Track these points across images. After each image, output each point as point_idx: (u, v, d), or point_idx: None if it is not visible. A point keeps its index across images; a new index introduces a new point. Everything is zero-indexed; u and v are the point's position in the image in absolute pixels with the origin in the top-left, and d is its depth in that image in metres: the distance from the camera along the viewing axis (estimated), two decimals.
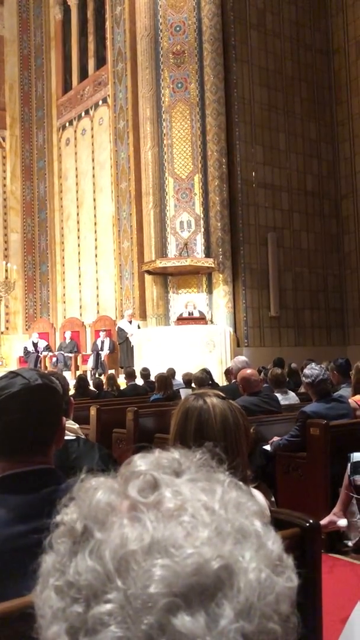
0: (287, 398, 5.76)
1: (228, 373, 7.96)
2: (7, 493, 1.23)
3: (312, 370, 4.12)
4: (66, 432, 2.22)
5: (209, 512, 0.39)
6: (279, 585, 0.38)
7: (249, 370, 4.90)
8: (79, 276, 15.87)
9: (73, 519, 0.41)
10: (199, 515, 0.38)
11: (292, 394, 6.02)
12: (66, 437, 2.21)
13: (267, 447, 4.33)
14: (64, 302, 16.45)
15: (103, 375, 11.47)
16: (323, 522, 3.57)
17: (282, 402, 5.35)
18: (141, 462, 0.44)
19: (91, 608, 0.36)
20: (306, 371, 4.16)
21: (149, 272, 12.18)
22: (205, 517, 0.38)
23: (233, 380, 6.04)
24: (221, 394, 1.61)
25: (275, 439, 4.34)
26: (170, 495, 0.39)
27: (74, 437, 2.28)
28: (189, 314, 11.67)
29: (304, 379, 4.27)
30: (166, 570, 0.35)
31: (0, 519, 1.19)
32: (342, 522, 3.76)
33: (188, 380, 7.55)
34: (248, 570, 0.37)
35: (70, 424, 2.31)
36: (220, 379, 9.45)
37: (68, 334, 14.45)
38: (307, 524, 1.44)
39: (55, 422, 1.34)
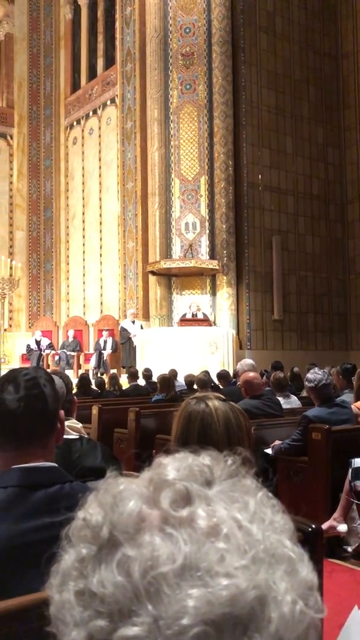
0: (289, 402, 5.75)
1: (220, 378, 7.91)
2: (17, 487, 1.23)
3: (315, 374, 4.11)
4: (70, 431, 2.23)
5: (243, 533, 0.38)
6: (309, 616, 0.37)
7: (251, 374, 4.89)
8: (83, 275, 15.89)
9: (98, 523, 0.39)
10: (234, 538, 0.37)
11: (294, 397, 6.02)
12: (69, 436, 2.22)
13: (269, 451, 4.32)
14: (68, 301, 16.47)
15: (105, 375, 11.48)
16: (323, 527, 3.57)
17: (284, 406, 5.34)
18: (172, 467, 0.42)
19: (117, 627, 0.35)
20: (309, 375, 4.16)
21: (153, 273, 12.19)
22: (240, 539, 0.37)
23: (233, 380, 6.03)
24: (222, 396, 1.61)
25: (277, 442, 4.34)
26: (204, 514, 0.38)
27: (77, 436, 2.28)
28: (193, 315, 11.67)
29: (306, 383, 4.27)
30: (199, 601, 0.34)
31: (11, 514, 1.19)
32: (342, 528, 3.76)
33: (190, 382, 7.55)
34: (282, 603, 0.36)
35: (73, 422, 2.32)
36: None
37: (71, 333, 14.47)
38: (310, 529, 1.44)
39: (55, 408, 1.35)
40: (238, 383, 5.94)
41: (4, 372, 1.51)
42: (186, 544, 0.36)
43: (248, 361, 6.15)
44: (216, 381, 7.93)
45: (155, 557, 0.36)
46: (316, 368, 4.27)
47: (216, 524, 0.38)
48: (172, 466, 0.42)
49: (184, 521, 0.38)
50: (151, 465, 0.44)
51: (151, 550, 0.36)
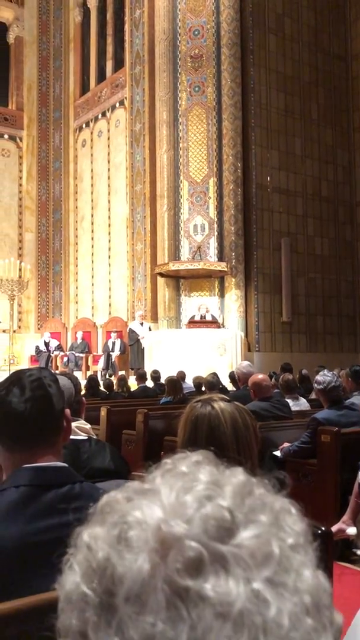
0: (298, 404, 5.73)
1: (234, 380, 7.85)
2: (29, 486, 1.24)
3: (324, 376, 4.09)
4: (78, 432, 2.24)
5: (260, 609, 0.33)
6: None
7: (260, 375, 4.88)
8: (92, 277, 15.93)
9: (100, 563, 0.37)
10: (248, 618, 0.33)
11: (303, 400, 5.99)
12: (78, 437, 2.22)
13: (277, 453, 4.31)
14: (77, 303, 16.51)
15: (113, 376, 11.49)
16: (332, 529, 3.55)
17: (293, 408, 5.32)
18: (184, 514, 0.36)
19: None
20: (318, 377, 4.14)
21: (161, 275, 12.20)
22: (255, 619, 0.33)
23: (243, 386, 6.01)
24: (226, 397, 1.60)
25: (286, 444, 4.32)
26: (214, 592, 0.33)
27: (85, 437, 2.28)
28: (202, 317, 11.66)
29: (315, 385, 4.25)
30: None
31: (19, 514, 1.20)
32: (351, 531, 3.73)
33: (198, 384, 7.54)
34: None
35: (82, 423, 2.32)
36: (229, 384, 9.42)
37: (79, 334, 14.50)
38: (319, 531, 1.43)
39: (61, 407, 1.36)
40: (243, 386, 5.92)
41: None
42: (192, 629, 0.33)
43: (245, 363, 6.14)
44: (225, 383, 7.91)
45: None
46: (325, 370, 4.25)
47: (229, 602, 0.33)
48: (184, 511, 0.37)
49: (192, 596, 0.34)
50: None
51: (151, 628, 0.33)
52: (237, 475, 0.40)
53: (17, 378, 1.34)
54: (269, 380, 4.92)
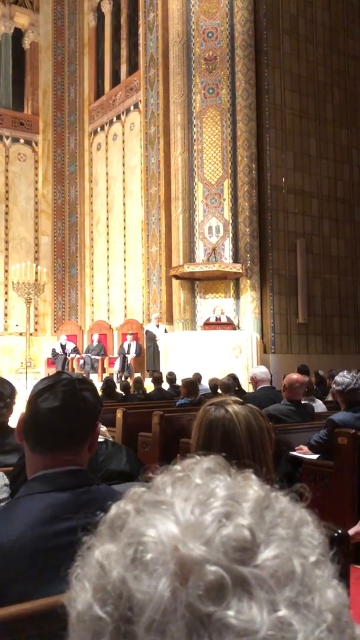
0: (315, 406, 5.70)
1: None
2: (40, 492, 1.24)
3: (343, 378, 4.06)
4: None
5: (284, 634, 0.32)
6: None
7: (295, 376, 4.83)
8: (107, 280, 16.00)
9: (115, 583, 0.35)
10: None
11: (319, 402, 5.96)
12: None
13: (295, 453, 4.29)
14: (92, 305, 16.59)
15: (129, 379, 11.52)
16: (349, 532, 3.51)
17: None
18: (206, 540, 0.35)
19: None
20: (337, 378, 4.11)
21: (176, 277, 12.20)
22: None
23: (259, 387, 6.00)
24: (240, 399, 1.60)
25: (303, 447, 4.28)
26: (237, 622, 0.32)
27: (102, 440, 2.29)
28: (217, 318, 11.64)
29: (334, 386, 4.22)
30: None
31: (35, 518, 1.20)
32: None
33: (214, 386, 7.52)
34: None
35: None
36: (247, 386, 9.40)
37: (95, 337, 14.57)
38: (336, 534, 1.42)
39: (90, 422, 1.36)
40: (260, 387, 5.90)
41: (29, 375, 1.52)
42: None
43: (262, 368, 6.12)
44: (242, 385, 7.88)
45: None
46: (345, 372, 4.22)
47: (253, 630, 0.32)
48: (203, 532, 0.35)
49: (215, 623, 0.32)
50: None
51: None
52: (254, 487, 0.39)
53: (52, 384, 1.34)
54: (303, 383, 4.86)
